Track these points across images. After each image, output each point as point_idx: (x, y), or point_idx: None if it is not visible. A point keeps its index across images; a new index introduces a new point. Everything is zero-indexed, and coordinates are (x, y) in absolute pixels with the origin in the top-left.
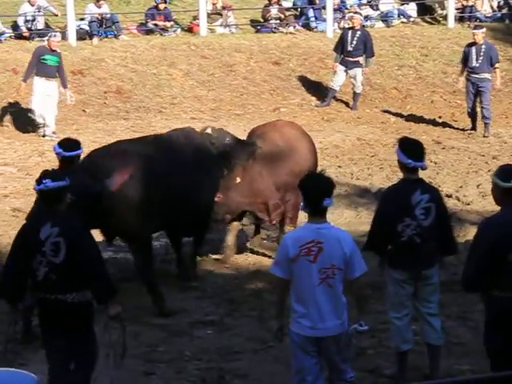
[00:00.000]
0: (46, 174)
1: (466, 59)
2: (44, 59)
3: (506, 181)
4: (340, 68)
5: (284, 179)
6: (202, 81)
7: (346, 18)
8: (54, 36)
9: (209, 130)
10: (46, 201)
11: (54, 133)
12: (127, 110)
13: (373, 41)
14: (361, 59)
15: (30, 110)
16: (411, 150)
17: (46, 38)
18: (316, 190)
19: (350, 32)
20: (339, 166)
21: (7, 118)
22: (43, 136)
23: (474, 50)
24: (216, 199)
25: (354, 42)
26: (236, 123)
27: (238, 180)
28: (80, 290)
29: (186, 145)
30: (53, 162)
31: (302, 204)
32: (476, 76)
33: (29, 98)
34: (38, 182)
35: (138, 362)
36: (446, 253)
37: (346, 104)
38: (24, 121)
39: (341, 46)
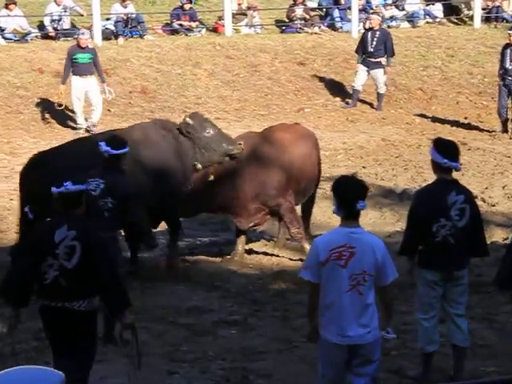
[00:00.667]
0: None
1: (501, 61)
2: (75, 58)
3: None
4: (362, 68)
5: (270, 184)
6: (226, 81)
7: (365, 19)
8: (82, 34)
9: (188, 120)
10: (65, 204)
11: (94, 126)
12: (152, 109)
13: (393, 40)
14: (383, 60)
15: (54, 110)
16: (447, 150)
17: (75, 37)
18: (349, 194)
19: (369, 33)
20: (364, 167)
21: (33, 118)
22: (87, 131)
23: (508, 51)
24: (186, 189)
25: (374, 43)
26: (260, 123)
27: (211, 177)
28: (88, 297)
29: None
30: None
31: (334, 207)
32: (510, 78)
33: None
34: (58, 184)
35: (162, 362)
36: (476, 254)
37: (371, 105)
38: (50, 120)
39: (362, 48)
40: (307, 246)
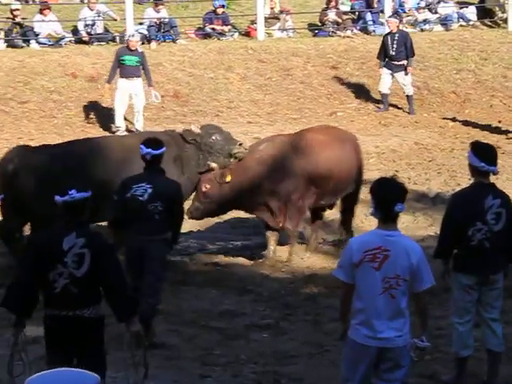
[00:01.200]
0: (70, 186)
1: None
2: (123, 60)
3: None
4: (385, 71)
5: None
6: (258, 85)
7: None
8: (132, 36)
9: (193, 128)
10: (71, 212)
11: (137, 130)
12: (184, 113)
13: (426, 43)
14: (405, 62)
15: (88, 114)
16: (484, 154)
17: (125, 39)
18: (387, 196)
19: (389, 37)
20: (396, 171)
21: (67, 122)
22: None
23: None
24: (203, 189)
25: (395, 46)
26: (292, 127)
27: (228, 178)
28: (96, 303)
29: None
30: None
31: (372, 209)
32: None
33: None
34: (63, 193)
35: (194, 365)
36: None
37: (403, 108)
38: (84, 124)
39: (383, 52)
40: (272, 247)
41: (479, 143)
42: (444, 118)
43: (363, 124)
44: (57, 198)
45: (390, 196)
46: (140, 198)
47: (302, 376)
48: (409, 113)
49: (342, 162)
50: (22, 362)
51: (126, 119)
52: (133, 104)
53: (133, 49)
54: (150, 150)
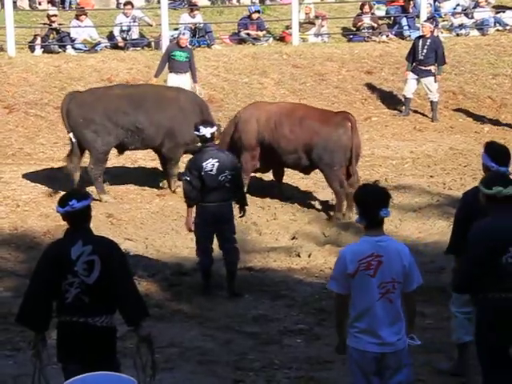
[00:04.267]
0: (69, 196)
1: None
2: (173, 55)
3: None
4: (411, 76)
5: None
6: (293, 90)
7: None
8: (183, 34)
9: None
10: (74, 221)
11: None
12: (219, 118)
13: (462, 48)
14: (433, 68)
15: None
16: (496, 154)
17: (175, 36)
18: (371, 201)
19: (420, 40)
20: (431, 176)
21: None
22: None
23: None
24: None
25: (425, 51)
26: None
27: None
28: (109, 313)
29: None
30: (144, 170)
31: (357, 217)
32: None
33: None
34: (63, 204)
35: (228, 370)
36: None
37: (439, 113)
38: None
39: (412, 55)
40: None
41: (493, 143)
42: (480, 123)
43: (398, 129)
44: (58, 209)
45: (374, 202)
46: (210, 173)
47: (336, 381)
48: (432, 120)
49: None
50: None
51: None
52: None
53: (183, 46)
54: (208, 128)
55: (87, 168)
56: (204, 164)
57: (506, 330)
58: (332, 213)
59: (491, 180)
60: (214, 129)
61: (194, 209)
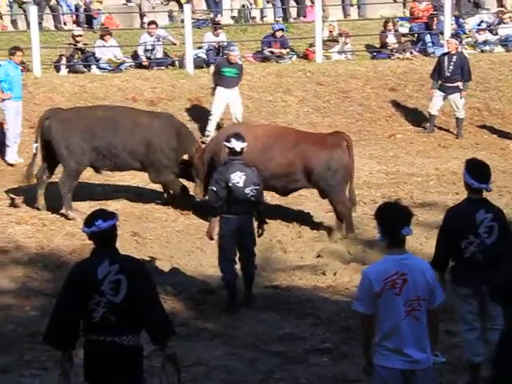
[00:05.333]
0: (95, 216)
1: None
2: (223, 71)
3: None
4: (438, 93)
5: None
6: (317, 107)
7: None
8: (232, 50)
9: None
10: (100, 241)
11: None
12: None
13: (486, 64)
14: (460, 84)
15: None
16: (475, 171)
17: (225, 52)
18: (394, 220)
19: (446, 57)
20: (456, 193)
21: None
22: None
23: None
24: None
25: (451, 67)
26: None
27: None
28: (136, 332)
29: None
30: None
31: (379, 235)
32: None
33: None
34: (89, 224)
35: None
36: None
37: (464, 130)
38: None
39: (437, 72)
40: None
41: (473, 161)
42: (505, 140)
43: (422, 146)
44: (84, 229)
45: (396, 220)
46: (237, 185)
47: None
48: (457, 136)
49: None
50: None
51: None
52: (230, 112)
53: (233, 62)
54: (239, 142)
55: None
56: (232, 176)
57: None
58: (332, 231)
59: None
60: (245, 144)
61: (216, 219)
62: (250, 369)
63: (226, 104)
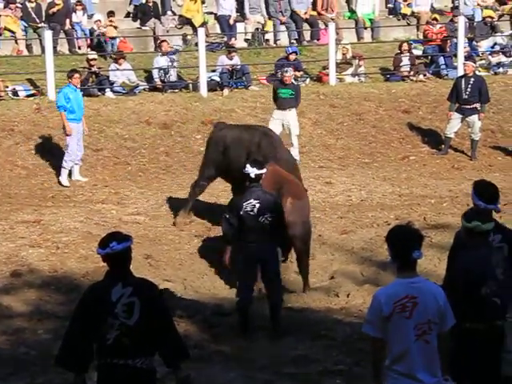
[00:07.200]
0: (110, 238)
1: None
2: (278, 93)
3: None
4: (456, 116)
5: None
6: (330, 129)
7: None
8: (286, 72)
9: None
10: (114, 263)
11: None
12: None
13: (500, 87)
14: (478, 105)
15: (161, 160)
16: (483, 192)
17: (279, 73)
18: (405, 243)
19: (463, 80)
20: None
21: (140, 169)
22: None
23: None
24: None
25: (469, 89)
26: (364, 171)
27: None
28: (149, 355)
29: None
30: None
31: (389, 258)
32: None
33: None
34: (103, 246)
35: None
36: None
37: (478, 151)
38: (157, 171)
39: (455, 95)
40: None
41: (481, 182)
42: None
43: (436, 168)
44: (98, 250)
45: (407, 243)
46: (251, 213)
47: None
48: (471, 158)
49: None
50: None
51: None
52: (287, 133)
53: (287, 83)
54: (254, 169)
55: None
56: (244, 204)
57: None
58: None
59: (471, 215)
60: (262, 171)
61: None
62: None
63: (282, 125)
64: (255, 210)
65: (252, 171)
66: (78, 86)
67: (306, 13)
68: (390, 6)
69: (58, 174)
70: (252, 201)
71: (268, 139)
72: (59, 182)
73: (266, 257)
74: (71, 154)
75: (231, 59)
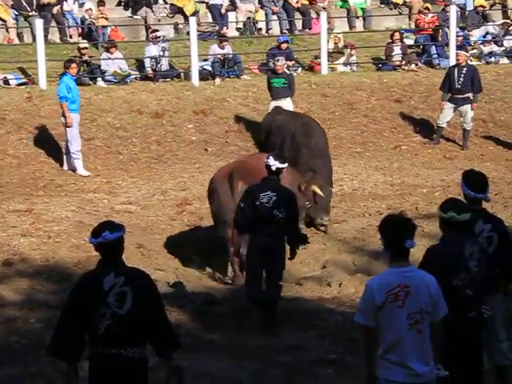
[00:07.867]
0: (103, 227)
1: None
2: (272, 83)
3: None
4: (448, 106)
5: None
6: (322, 119)
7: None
8: (277, 60)
9: None
10: (107, 252)
11: None
12: (248, 148)
13: (492, 76)
14: (470, 95)
15: (153, 150)
16: (472, 182)
17: (271, 62)
18: (397, 232)
19: (456, 69)
20: None
21: (132, 158)
22: None
23: None
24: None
25: (462, 79)
26: (356, 161)
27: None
28: (141, 344)
29: None
30: (174, 201)
31: (382, 247)
32: None
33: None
34: (96, 235)
35: None
36: (509, 280)
37: (469, 141)
38: (148, 160)
39: (447, 84)
40: None
41: (470, 171)
42: (511, 151)
43: (428, 157)
44: (91, 239)
45: (399, 233)
46: (266, 205)
47: None
48: (462, 148)
49: None
50: None
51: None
52: None
53: (279, 72)
54: (277, 162)
55: None
56: (261, 195)
57: None
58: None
59: (448, 205)
60: (284, 165)
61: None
62: (255, 380)
63: None
64: (271, 202)
65: (274, 164)
66: (75, 75)
67: (297, 2)
68: None
69: (50, 162)
70: (269, 193)
71: (304, 129)
72: (79, 175)
73: (274, 250)
74: (75, 144)
75: (223, 48)
